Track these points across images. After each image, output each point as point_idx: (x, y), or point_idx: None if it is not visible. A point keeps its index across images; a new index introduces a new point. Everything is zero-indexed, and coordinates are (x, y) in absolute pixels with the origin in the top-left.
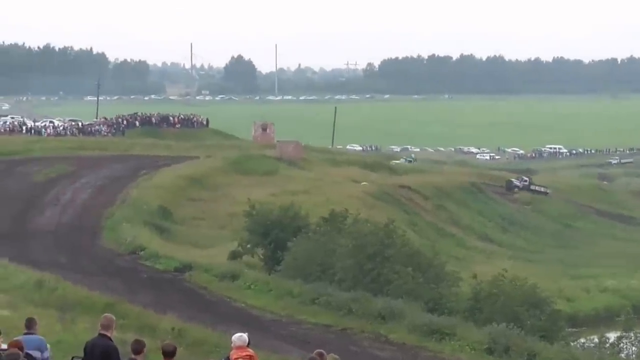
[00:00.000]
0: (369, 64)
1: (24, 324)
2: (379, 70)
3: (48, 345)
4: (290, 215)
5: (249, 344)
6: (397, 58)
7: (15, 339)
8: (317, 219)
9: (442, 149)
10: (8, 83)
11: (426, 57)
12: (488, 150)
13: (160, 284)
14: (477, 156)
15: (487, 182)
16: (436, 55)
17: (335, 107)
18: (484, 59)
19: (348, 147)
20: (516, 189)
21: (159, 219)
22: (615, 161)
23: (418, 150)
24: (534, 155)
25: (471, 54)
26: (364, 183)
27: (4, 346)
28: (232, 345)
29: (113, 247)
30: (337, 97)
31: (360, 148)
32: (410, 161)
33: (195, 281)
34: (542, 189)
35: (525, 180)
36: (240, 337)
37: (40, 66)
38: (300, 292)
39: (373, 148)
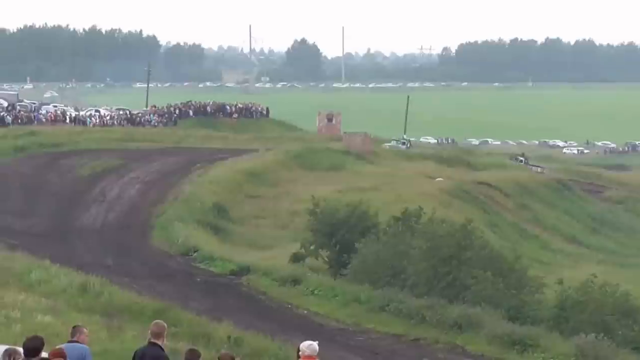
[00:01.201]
0: (445, 49)
1: (70, 331)
2: (456, 56)
3: (91, 356)
4: (358, 214)
5: None
6: (476, 42)
7: (57, 347)
8: (388, 218)
9: (524, 142)
10: (51, 69)
11: (508, 41)
12: (576, 144)
13: (215, 289)
14: (564, 150)
15: (574, 179)
16: (519, 39)
17: (408, 96)
18: (572, 43)
19: (422, 139)
20: None
21: (214, 218)
22: None
23: (498, 143)
24: (627, 149)
25: (558, 38)
26: (439, 179)
27: (45, 354)
28: (300, 354)
29: (164, 247)
30: (410, 84)
31: (435, 141)
32: (404, 143)
33: (254, 286)
34: (539, 169)
35: (521, 160)
36: (310, 345)
37: (85, 50)
38: (369, 298)
39: (449, 141)
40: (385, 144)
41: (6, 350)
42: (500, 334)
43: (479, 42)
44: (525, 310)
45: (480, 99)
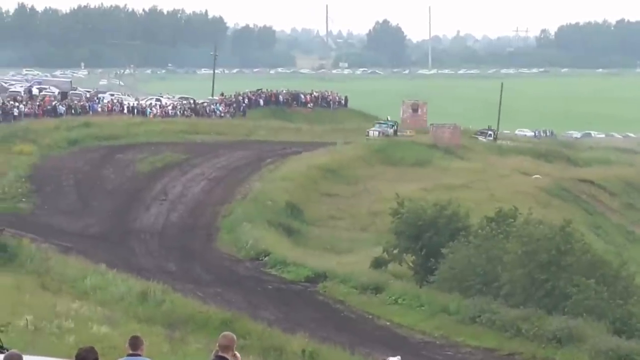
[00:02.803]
0: (543, 31)
1: (128, 343)
2: (555, 39)
3: None
4: (447, 214)
5: None
6: (577, 24)
7: None
8: (479, 219)
9: (632, 134)
10: (107, 53)
11: (614, 23)
12: None
13: (288, 297)
14: None
15: None
16: (626, 20)
17: (502, 83)
18: None
19: (517, 132)
20: None
21: (286, 218)
22: None
23: (603, 136)
24: None
25: None
26: (537, 176)
27: None
28: None
29: (231, 251)
30: (504, 71)
31: (532, 133)
32: (392, 126)
33: (331, 294)
34: (508, 143)
35: (490, 135)
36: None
37: (145, 33)
38: (458, 309)
39: (547, 133)
40: (369, 130)
41: None
42: (605, 349)
43: (581, 23)
44: (632, 323)
45: (582, 86)
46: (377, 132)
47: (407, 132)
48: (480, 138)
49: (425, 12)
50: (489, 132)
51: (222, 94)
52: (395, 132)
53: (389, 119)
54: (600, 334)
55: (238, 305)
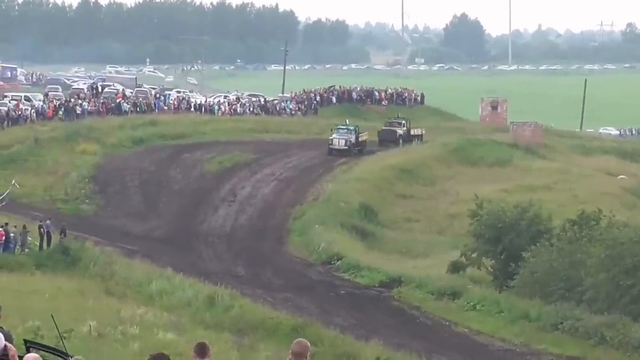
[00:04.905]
0: (629, 25)
1: (194, 350)
2: None
3: None
4: (528, 216)
5: None
6: None
7: None
8: (562, 221)
9: None
10: (173, 49)
11: None
12: None
13: (361, 303)
14: None
15: None
16: None
17: (586, 80)
18: None
19: (601, 130)
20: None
21: (360, 221)
22: None
23: None
24: None
25: None
26: (622, 177)
27: None
28: None
29: (302, 255)
30: (588, 66)
31: (618, 132)
32: (353, 131)
33: (406, 299)
34: (418, 131)
35: (404, 125)
36: None
37: (213, 28)
38: (539, 315)
39: (634, 132)
40: (332, 139)
41: None
42: None
43: None
44: None
45: None
46: (343, 140)
47: (364, 136)
48: (398, 130)
49: (505, 5)
50: (403, 122)
51: (292, 92)
52: (357, 138)
53: (347, 122)
54: None
55: (309, 311)
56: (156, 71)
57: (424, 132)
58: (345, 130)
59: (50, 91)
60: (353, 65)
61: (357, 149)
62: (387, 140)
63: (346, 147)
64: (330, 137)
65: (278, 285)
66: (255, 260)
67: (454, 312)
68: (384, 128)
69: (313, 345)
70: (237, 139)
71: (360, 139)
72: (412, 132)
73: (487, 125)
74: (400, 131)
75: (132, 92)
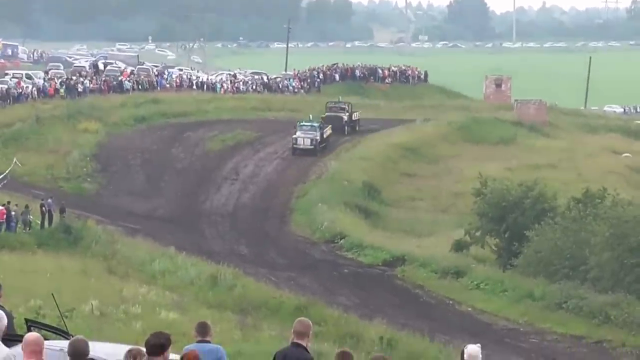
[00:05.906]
0: (634, 2)
1: (195, 329)
2: None
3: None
4: (533, 195)
5: None
6: None
7: (189, 348)
8: (566, 200)
9: None
10: (175, 26)
11: None
12: None
13: (365, 282)
14: None
15: None
16: None
17: (590, 57)
18: None
19: (606, 108)
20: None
21: (363, 199)
22: None
23: None
24: None
25: None
26: (627, 155)
27: (173, 357)
28: (467, 358)
29: (305, 234)
30: (593, 44)
31: (622, 110)
32: (319, 128)
33: (409, 278)
34: (356, 115)
35: (343, 108)
36: (476, 349)
37: (215, 5)
38: (544, 294)
39: (639, 110)
40: (296, 137)
41: (130, 351)
42: None
43: None
44: None
45: None
46: (308, 139)
47: (328, 131)
48: (342, 115)
49: None
50: (345, 107)
51: (295, 69)
52: (322, 135)
53: (311, 117)
54: None
55: (313, 290)
56: (164, 49)
57: (359, 116)
58: (310, 127)
59: (52, 69)
60: (356, 43)
61: (322, 146)
62: (332, 127)
63: (312, 147)
64: (294, 136)
65: (281, 264)
66: (258, 239)
67: (457, 291)
68: (327, 114)
69: (316, 324)
70: (240, 117)
71: (324, 136)
72: (353, 117)
73: (491, 103)
74: (344, 116)
75: (134, 70)
